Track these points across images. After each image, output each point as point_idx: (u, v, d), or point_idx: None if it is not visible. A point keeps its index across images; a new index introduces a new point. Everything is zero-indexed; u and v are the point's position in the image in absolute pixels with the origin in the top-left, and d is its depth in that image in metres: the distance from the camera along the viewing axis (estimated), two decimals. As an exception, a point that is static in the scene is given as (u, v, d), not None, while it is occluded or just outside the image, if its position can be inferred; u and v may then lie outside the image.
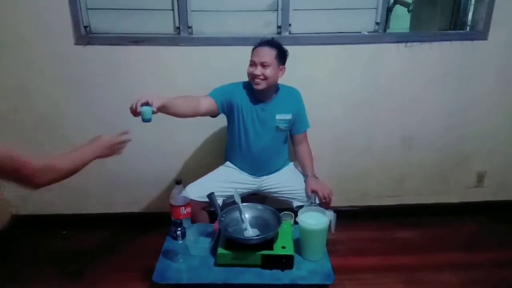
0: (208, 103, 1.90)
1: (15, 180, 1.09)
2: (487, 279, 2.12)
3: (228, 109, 1.98)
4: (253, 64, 1.88)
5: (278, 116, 2.00)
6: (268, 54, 1.86)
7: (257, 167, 2.09)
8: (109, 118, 2.35)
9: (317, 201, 1.92)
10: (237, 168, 2.11)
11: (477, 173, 2.66)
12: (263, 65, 1.86)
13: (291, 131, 2.10)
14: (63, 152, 1.27)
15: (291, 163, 2.20)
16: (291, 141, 2.16)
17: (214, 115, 1.98)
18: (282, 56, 1.91)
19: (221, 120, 2.32)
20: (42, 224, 2.53)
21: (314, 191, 1.94)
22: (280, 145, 2.10)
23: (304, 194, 2.00)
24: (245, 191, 2.08)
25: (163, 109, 1.60)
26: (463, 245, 2.41)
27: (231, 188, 1.87)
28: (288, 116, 2.01)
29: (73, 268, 2.18)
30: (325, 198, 1.92)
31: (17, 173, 1.07)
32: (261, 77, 1.87)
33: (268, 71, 1.87)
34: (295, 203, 2.05)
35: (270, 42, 1.90)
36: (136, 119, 2.45)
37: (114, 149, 1.41)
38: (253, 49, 1.91)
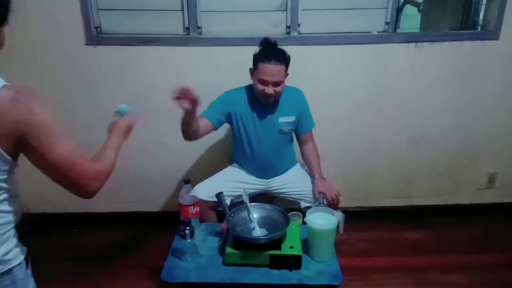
0: (204, 126, 1.86)
1: (68, 188, 1.01)
2: (496, 280, 2.11)
3: (227, 120, 1.96)
4: (264, 82, 1.82)
5: (281, 119, 1.97)
6: (279, 72, 1.81)
7: (263, 170, 2.08)
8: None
9: (325, 202, 1.92)
10: (244, 170, 2.11)
11: (488, 174, 2.64)
12: (275, 84, 1.82)
13: (296, 131, 2.08)
14: (97, 148, 1.17)
15: (298, 163, 2.20)
16: (297, 141, 2.14)
17: (214, 130, 1.96)
18: (288, 66, 1.87)
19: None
20: (53, 222, 2.57)
21: (321, 193, 1.93)
22: (285, 147, 2.10)
23: (312, 195, 2.00)
24: (253, 191, 2.08)
25: (192, 112, 1.63)
26: (472, 246, 2.39)
27: (239, 188, 1.88)
28: (292, 118, 1.99)
29: (83, 265, 2.21)
30: (332, 199, 1.91)
31: (72, 183, 1.00)
32: (273, 95, 1.84)
33: (280, 88, 1.84)
34: (303, 204, 2.05)
35: (278, 57, 1.81)
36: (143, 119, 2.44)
37: (131, 130, 1.31)
38: (259, 64, 1.81)
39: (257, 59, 1.83)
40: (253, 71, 1.88)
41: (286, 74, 1.89)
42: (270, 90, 1.82)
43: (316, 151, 2.09)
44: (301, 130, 2.07)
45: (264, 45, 1.87)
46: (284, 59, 1.83)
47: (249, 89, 1.97)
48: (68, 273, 2.14)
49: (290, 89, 2.01)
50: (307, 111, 2.06)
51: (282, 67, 1.82)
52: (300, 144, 2.12)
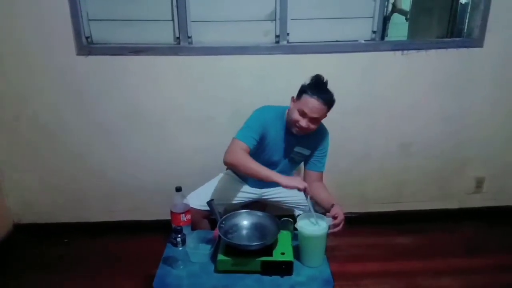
0: (245, 150, 1.79)
1: None
2: (487, 284, 2.14)
3: (260, 139, 1.88)
4: (302, 113, 1.78)
5: (296, 149, 1.95)
6: (320, 111, 1.78)
7: (261, 182, 2.02)
8: (110, 127, 2.38)
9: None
10: (238, 177, 2.10)
11: (476, 178, 2.68)
12: (312, 120, 1.79)
13: (306, 166, 2.04)
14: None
15: None
16: (305, 178, 2.03)
17: None
18: (330, 109, 1.84)
19: (222, 127, 2.34)
20: (44, 232, 2.55)
21: (335, 216, 1.77)
22: (287, 172, 2.04)
23: (305, 204, 1.96)
24: (246, 199, 2.09)
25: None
26: (462, 250, 2.42)
27: (232, 196, 1.87)
28: (306, 152, 1.97)
29: (74, 275, 2.19)
30: (338, 224, 1.77)
31: None
32: (305, 129, 1.81)
33: (314, 126, 1.82)
34: (297, 212, 2.05)
35: (324, 97, 1.78)
36: (135, 127, 2.48)
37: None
38: (304, 95, 1.78)
39: (304, 90, 1.80)
40: (295, 99, 1.84)
41: (325, 115, 1.85)
42: (304, 123, 1.79)
43: (326, 187, 2.02)
44: (311, 166, 2.02)
45: (315, 80, 1.83)
46: (329, 101, 1.80)
47: (281, 115, 1.93)
48: (59, 283, 2.13)
49: (321, 126, 1.96)
50: (325, 152, 2.02)
51: (325, 108, 1.79)
52: (310, 181, 1.98)
